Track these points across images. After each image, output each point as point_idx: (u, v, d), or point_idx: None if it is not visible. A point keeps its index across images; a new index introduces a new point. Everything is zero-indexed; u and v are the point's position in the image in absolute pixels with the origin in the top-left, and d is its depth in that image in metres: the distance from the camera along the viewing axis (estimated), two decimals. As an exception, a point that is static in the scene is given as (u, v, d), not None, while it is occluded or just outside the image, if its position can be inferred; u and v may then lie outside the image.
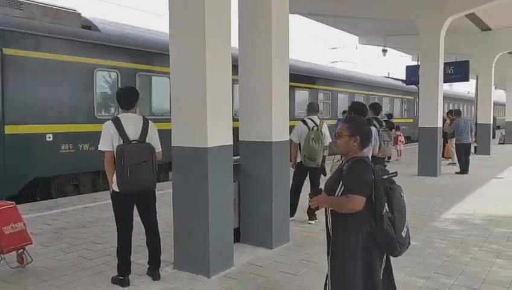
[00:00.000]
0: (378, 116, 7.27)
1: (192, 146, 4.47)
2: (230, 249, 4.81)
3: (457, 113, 12.69)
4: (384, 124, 7.31)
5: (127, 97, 4.30)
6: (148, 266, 4.53)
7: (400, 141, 15.37)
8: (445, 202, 8.22)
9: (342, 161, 3.12)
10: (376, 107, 7.36)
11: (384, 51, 19.19)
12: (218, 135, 4.52)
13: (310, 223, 6.63)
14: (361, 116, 6.11)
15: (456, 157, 13.88)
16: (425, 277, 4.48)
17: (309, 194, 3.21)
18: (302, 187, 6.82)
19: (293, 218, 6.70)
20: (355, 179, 2.88)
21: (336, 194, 2.95)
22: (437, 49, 11.15)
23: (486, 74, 17.60)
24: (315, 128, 6.53)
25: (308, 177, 6.80)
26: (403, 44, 18.80)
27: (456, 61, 17.57)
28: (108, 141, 4.10)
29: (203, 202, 4.45)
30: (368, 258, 2.86)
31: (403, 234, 2.82)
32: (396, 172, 2.99)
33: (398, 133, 15.48)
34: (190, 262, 4.61)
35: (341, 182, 2.95)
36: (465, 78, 17.61)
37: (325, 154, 6.58)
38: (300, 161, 6.59)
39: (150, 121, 4.35)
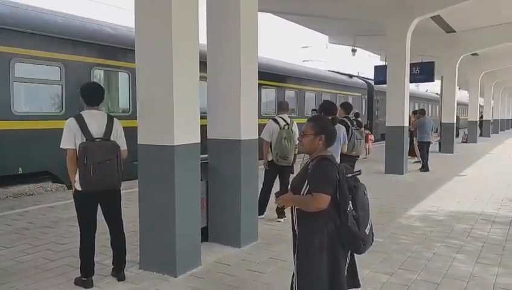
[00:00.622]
0: (349, 115, 7.39)
1: (159, 144, 4.41)
2: (197, 249, 4.77)
3: (422, 112, 13.01)
4: (355, 123, 7.43)
5: (93, 93, 4.19)
6: (112, 266, 4.44)
7: (370, 139, 15.63)
8: (411, 199, 8.42)
9: (307, 160, 3.14)
10: (347, 107, 7.47)
11: (354, 50, 19.46)
12: (185, 132, 4.46)
13: (279, 221, 6.67)
14: (332, 115, 6.23)
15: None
16: (389, 273, 4.58)
17: (275, 193, 3.22)
18: (273, 186, 6.84)
19: (262, 216, 6.72)
20: (320, 178, 2.90)
21: (302, 192, 2.97)
22: (404, 49, 11.39)
23: (450, 75, 18.12)
24: (286, 127, 6.56)
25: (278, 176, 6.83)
26: (372, 44, 19.14)
27: (422, 62, 18.02)
28: (71, 139, 3.98)
29: (169, 201, 4.39)
30: (333, 256, 2.89)
31: (367, 231, 2.86)
32: (360, 171, 3.03)
33: (366, 131, 15.74)
34: (156, 262, 4.55)
35: (306, 181, 2.97)
36: (431, 79, 18.08)
37: (295, 152, 6.61)
38: (272, 160, 6.60)
39: (115, 119, 4.27)
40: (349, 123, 7.02)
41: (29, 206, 7.40)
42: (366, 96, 23.78)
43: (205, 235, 5.60)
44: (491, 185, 9.98)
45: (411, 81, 18.98)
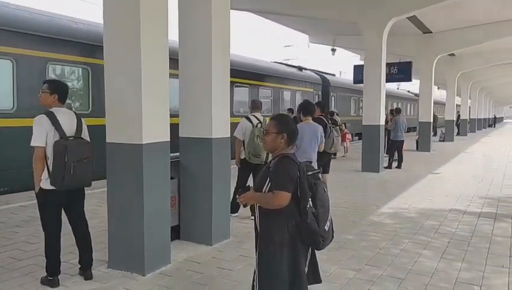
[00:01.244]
0: (323, 113, 7.49)
1: (127, 142, 4.40)
2: (166, 247, 4.77)
3: (398, 111, 13.21)
4: (330, 121, 7.54)
5: (65, 90, 4.18)
6: (80, 266, 4.42)
7: (347, 139, 15.79)
8: (384, 196, 8.56)
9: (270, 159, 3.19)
10: (322, 105, 7.56)
11: (333, 50, 19.67)
12: (154, 131, 4.47)
13: (252, 219, 6.65)
14: (311, 115, 6.34)
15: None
16: (356, 269, 4.66)
17: (238, 192, 3.25)
18: (246, 184, 6.86)
19: (236, 214, 6.75)
20: (280, 176, 2.95)
21: (263, 190, 3.01)
22: (380, 49, 11.55)
23: (427, 75, 18.42)
24: (259, 125, 6.61)
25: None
26: (351, 44, 19.34)
27: (400, 62, 18.27)
28: (43, 136, 3.93)
29: (137, 200, 4.39)
30: (294, 253, 2.94)
31: (326, 228, 2.91)
32: (319, 169, 3.09)
33: (345, 130, 15.90)
34: (125, 260, 4.54)
35: (268, 179, 3.02)
36: (408, 79, 18.36)
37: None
38: (245, 158, 6.64)
39: (81, 117, 4.25)
40: (326, 121, 7.11)
41: (1, 205, 7.30)
42: (320, 93, 21.07)
43: (177, 233, 5.62)
44: (463, 183, 10.20)
45: (390, 81, 19.31)
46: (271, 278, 2.97)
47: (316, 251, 3.09)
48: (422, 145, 18.27)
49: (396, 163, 12.77)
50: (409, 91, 38.54)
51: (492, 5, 13.98)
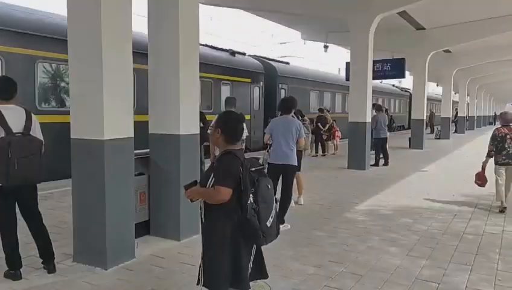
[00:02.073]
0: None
1: (89, 138, 4.43)
2: (131, 242, 4.80)
3: (378, 108, 13.18)
4: (300, 117, 7.53)
5: (4, 86, 4.18)
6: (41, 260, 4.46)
7: (337, 136, 15.78)
8: (365, 193, 8.56)
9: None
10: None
11: (326, 47, 19.53)
12: (117, 126, 4.49)
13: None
14: (289, 112, 6.41)
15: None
16: (318, 265, 4.68)
17: (184, 186, 3.28)
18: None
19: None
20: (222, 171, 2.99)
21: (208, 185, 3.05)
22: (366, 46, 11.52)
23: (420, 72, 18.37)
24: (233, 121, 6.61)
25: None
26: (344, 40, 19.17)
27: (393, 59, 18.25)
28: None
29: (100, 196, 4.42)
30: (235, 248, 2.97)
31: (268, 224, 2.92)
32: (263, 165, 3.11)
33: (335, 127, 15.88)
34: (88, 255, 4.59)
35: (212, 174, 3.05)
36: (401, 75, 18.36)
37: (242, 147, 6.66)
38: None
39: (32, 113, 4.27)
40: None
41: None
42: (262, 84, 16.81)
43: (147, 229, 5.65)
44: (447, 181, 10.19)
45: (382, 78, 19.36)
46: (213, 271, 3.02)
47: (258, 246, 3.12)
48: (415, 142, 18.24)
49: (383, 160, 12.75)
50: (393, 85, 35.40)
51: (485, 0, 13.90)
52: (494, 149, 7.24)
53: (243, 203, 2.89)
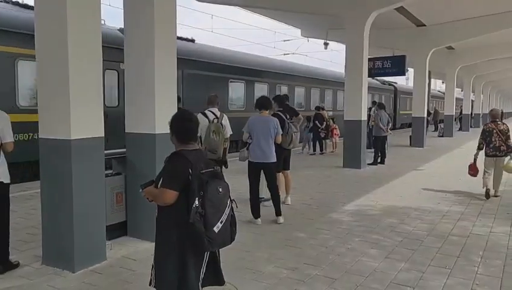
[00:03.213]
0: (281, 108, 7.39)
1: (55, 138, 4.34)
2: (101, 244, 4.71)
3: (380, 106, 12.99)
4: (288, 116, 7.40)
5: None
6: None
7: (335, 134, 15.61)
8: (355, 193, 8.41)
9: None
10: (280, 100, 7.46)
11: (326, 44, 19.37)
12: (85, 126, 4.40)
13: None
14: (266, 109, 6.41)
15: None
16: (292, 268, 4.55)
17: (140, 185, 3.19)
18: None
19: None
20: (167, 173, 2.91)
21: (159, 186, 2.96)
22: (361, 43, 11.33)
23: (420, 69, 18.12)
24: (215, 120, 6.51)
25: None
26: (344, 37, 19.04)
27: (393, 56, 18.01)
28: None
29: (67, 197, 4.34)
30: (181, 252, 2.88)
31: (216, 230, 2.80)
32: (215, 167, 2.97)
33: (333, 125, 15.72)
34: (57, 257, 4.50)
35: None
36: (402, 73, 18.09)
37: (225, 146, 6.55)
38: (201, 154, 6.54)
39: (4, 114, 4.22)
40: (283, 116, 7.00)
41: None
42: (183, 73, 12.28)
43: (124, 230, 5.56)
44: (443, 180, 9.99)
45: (383, 75, 19.08)
46: (161, 274, 2.94)
47: (208, 251, 2.98)
48: (416, 140, 18.00)
49: (374, 159, 12.54)
50: (384, 82, 31.22)
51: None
52: (484, 142, 8.10)
53: (188, 206, 2.78)
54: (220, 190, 2.88)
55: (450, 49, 22.13)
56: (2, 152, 4.28)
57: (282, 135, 6.54)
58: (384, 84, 30.70)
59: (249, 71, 15.92)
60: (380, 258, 4.88)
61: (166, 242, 2.92)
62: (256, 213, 6.29)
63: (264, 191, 6.97)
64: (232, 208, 2.99)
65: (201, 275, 2.97)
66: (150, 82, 5.23)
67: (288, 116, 7.30)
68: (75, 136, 4.30)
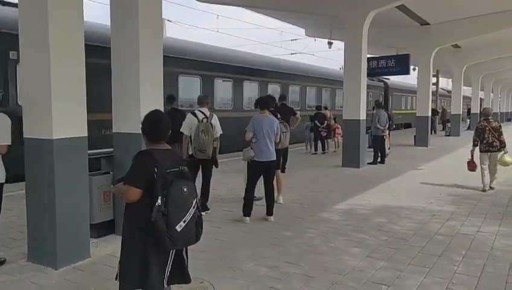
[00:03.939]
0: (272, 108, 7.45)
1: (37, 137, 4.44)
2: (85, 242, 4.81)
3: (378, 105, 12.94)
4: (279, 115, 7.44)
5: None
6: None
7: (338, 134, 15.58)
8: (350, 192, 8.41)
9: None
10: (272, 100, 7.52)
11: (330, 43, 19.36)
12: (68, 125, 4.49)
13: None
14: (267, 108, 6.52)
15: (387, 148, 14.24)
16: (272, 266, 4.59)
17: (112, 181, 3.27)
18: (195, 179, 6.85)
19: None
20: (132, 171, 2.97)
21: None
22: (360, 42, 11.31)
23: (424, 68, 18.02)
24: (205, 120, 6.58)
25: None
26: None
27: (397, 55, 17.95)
28: None
29: (50, 196, 4.43)
30: (144, 248, 2.94)
31: (178, 229, 2.85)
32: (180, 167, 3.02)
33: (336, 125, 15.70)
34: (41, 255, 4.60)
35: None
36: (406, 72, 18.03)
37: (215, 145, 6.62)
38: (192, 153, 6.62)
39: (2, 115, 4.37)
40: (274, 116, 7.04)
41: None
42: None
43: (112, 228, 5.65)
44: (440, 180, 9.90)
45: (386, 74, 19.06)
46: (125, 270, 3.02)
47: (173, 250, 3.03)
48: (420, 140, 17.89)
49: (380, 158, 12.52)
50: (372, 78, 26.91)
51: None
52: (478, 139, 8.64)
53: (152, 204, 2.84)
54: (185, 189, 2.93)
55: (456, 47, 21.94)
56: None
57: None
58: (373, 80, 26.19)
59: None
60: (360, 257, 4.90)
61: (130, 239, 2.99)
62: (248, 212, 6.34)
63: (257, 190, 7.01)
64: (198, 208, 3.04)
65: (167, 273, 3.03)
66: (135, 83, 5.30)
67: (279, 116, 7.34)
68: (57, 135, 4.39)
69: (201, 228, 3.08)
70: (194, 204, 2.98)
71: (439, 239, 5.57)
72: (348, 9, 11.26)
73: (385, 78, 27.40)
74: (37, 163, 4.52)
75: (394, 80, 28.54)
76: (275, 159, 6.42)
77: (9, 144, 4.49)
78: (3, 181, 4.60)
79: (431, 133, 23.93)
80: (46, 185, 4.45)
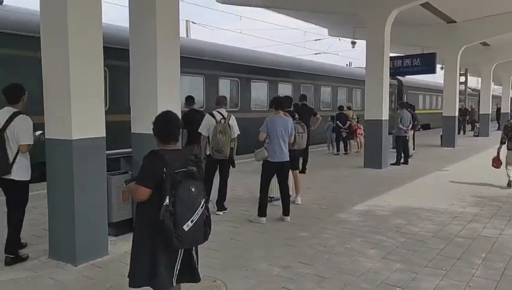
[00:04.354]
0: (291, 109, 7.46)
1: (58, 138, 4.57)
2: (103, 239, 4.92)
3: (401, 105, 12.73)
4: (296, 116, 7.43)
5: (5, 91, 4.65)
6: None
7: (360, 134, 15.41)
8: (368, 193, 8.31)
9: None
10: (288, 101, 7.51)
11: (353, 43, 19.18)
12: (86, 126, 4.61)
13: (217, 214, 6.71)
14: (282, 108, 6.50)
15: (412, 149, 14.03)
16: (285, 266, 4.60)
17: (125, 181, 3.34)
18: (213, 179, 6.93)
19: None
20: (141, 170, 3.04)
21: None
22: (382, 41, 11.16)
23: (451, 67, 17.60)
24: (222, 120, 6.64)
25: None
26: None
27: (423, 54, 17.63)
28: None
29: (69, 195, 4.55)
30: (153, 247, 2.99)
31: (185, 228, 2.89)
32: (188, 167, 3.05)
33: (358, 125, 15.52)
34: (61, 252, 4.74)
35: None
36: (432, 71, 17.70)
37: (232, 146, 6.66)
38: (210, 154, 6.69)
39: (20, 116, 4.56)
40: (290, 117, 7.02)
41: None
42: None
43: (130, 227, 5.74)
44: (465, 180, 9.67)
45: (412, 73, 18.71)
46: (134, 265, 3.09)
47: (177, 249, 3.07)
48: (447, 140, 17.49)
49: (403, 159, 12.32)
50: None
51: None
52: (506, 137, 8.79)
53: (160, 204, 2.89)
54: (193, 189, 2.97)
55: (485, 45, 21.39)
56: (19, 152, 4.60)
57: None
58: None
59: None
60: (376, 259, 4.84)
61: (139, 238, 3.05)
62: (263, 212, 6.35)
63: (275, 191, 7.02)
64: (207, 208, 3.08)
65: (176, 272, 3.08)
66: (152, 82, 5.40)
67: (296, 117, 7.33)
68: (76, 136, 4.51)
69: (210, 228, 3.11)
70: (202, 204, 3.01)
71: (459, 241, 5.45)
72: (368, 8, 11.13)
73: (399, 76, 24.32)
74: (56, 163, 4.66)
75: (410, 77, 25.06)
76: (288, 159, 6.41)
77: (31, 143, 4.65)
78: (29, 179, 4.76)
79: (460, 133, 23.46)
80: (65, 185, 4.58)
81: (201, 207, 3.01)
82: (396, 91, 24.80)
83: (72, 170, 4.51)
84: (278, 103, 6.57)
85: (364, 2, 11.19)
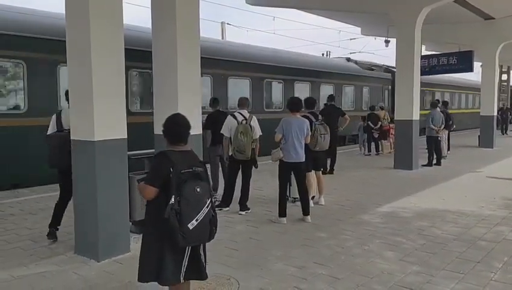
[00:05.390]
0: (314, 110, 7.45)
1: (82, 139, 4.80)
2: (125, 237, 5.12)
3: (433, 105, 12.42)
4: (320, 117, 7.43)
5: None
6: None
7: (392, 134, 15.13)
8: (395, 195, 8.19)
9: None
10: (310, 102, 7.51)
11: (387, 41, 18.86)
12: (108, 128, 4.81)
13: (240, 214, 6.82)
14: (298, 110, 6.51)
15: (446, 150, 13.68)
16: (300, 266, 4.64)
17: (137, 179, 3.50)
18: (236, 179, 7.04)
19: (227, 208, 6.96)
20: (150, 170, 3.19)
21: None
22: (412, 40, 10.95)
23: (489, 65, 17.02)
24: (244, 121, 6.74)
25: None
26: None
27: (460, 52, 17.09)
28: None
29: (92, 194, 4.77)
30: (160, 245, 3.12)
31: (190, 227, 3.01)
32: (194, 168, 3.17)
33: (390, 125, 15.25)
34: (86, 248, 4.97)
35: None
36: (469, 69, 17.10)
37: (253, 146, 6.75)
38: (232, 154, 6.82)
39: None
40: (312, 118, 7.04)
41: (27, 196, 8.15)
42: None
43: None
44: (497, 183, 9.38)
45: (448, 72, 18.17)
46: (142, 261, 3.22)
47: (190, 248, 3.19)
48: (484, 140, 16.92)
49: (435, 160, 12.02)
50: (372, 68, 21.13)
51: None
52: None
53: (166, 203, 3.02)
54: (198, 189, 3.08)
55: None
56: None
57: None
58: (372, 69, 20.53)
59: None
60: (393, 261, 4.81)
61: (147, 236, 3.19)
62: (283, 212, 6.41)
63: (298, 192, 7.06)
64: (212, 208, 3.18)
65: (183, 269, 3.19)
66: (173, 84, 5.57)
67: (320, 118, 7.34)
68: (99, 137, 4.73)
69: (216, 227, 3.21)
70: (208, 204, 3.12)
71: (481, 245, 5.32)
72: (397, 6, 10.94)
73: (393, 68, 17.69)
74: (81, 163, 4.89)
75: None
76: (303, 160, 6.43)
77: None
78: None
79: (502, 133, 22.62)
80: (89, 185, 4.80)
81: (207, 207, 3.11)
82: (389, 87, 20.74)
83: (94, 170, 4.73)
84: (293, 105, 6.57)
85: (394, 1, 11.01)
